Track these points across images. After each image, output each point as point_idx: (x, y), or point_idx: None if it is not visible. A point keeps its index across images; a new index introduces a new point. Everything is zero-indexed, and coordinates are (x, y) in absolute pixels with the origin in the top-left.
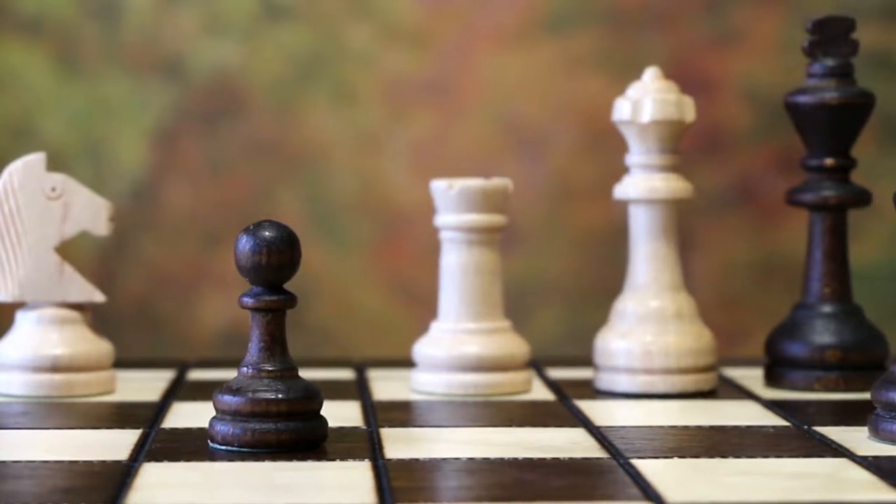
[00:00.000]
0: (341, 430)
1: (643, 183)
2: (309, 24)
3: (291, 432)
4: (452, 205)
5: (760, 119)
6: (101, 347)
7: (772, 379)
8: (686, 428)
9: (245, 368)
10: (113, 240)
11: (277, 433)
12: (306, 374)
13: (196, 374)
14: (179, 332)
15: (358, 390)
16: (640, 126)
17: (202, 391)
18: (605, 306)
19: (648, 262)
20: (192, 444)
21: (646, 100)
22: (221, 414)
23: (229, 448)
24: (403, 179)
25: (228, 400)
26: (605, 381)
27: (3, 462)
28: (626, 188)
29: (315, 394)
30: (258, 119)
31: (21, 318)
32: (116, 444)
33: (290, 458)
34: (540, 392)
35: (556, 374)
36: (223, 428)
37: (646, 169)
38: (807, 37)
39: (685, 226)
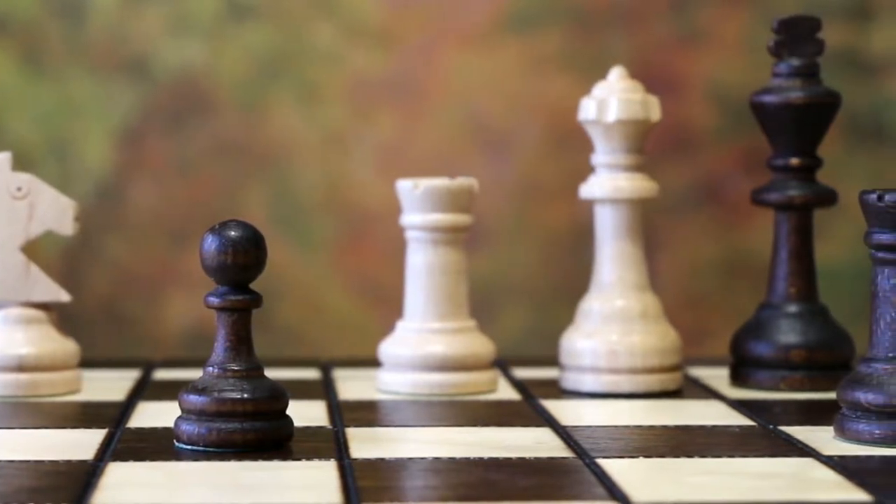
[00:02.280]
0: (307, 430)
1: (608, 182)
2: (273, 23)
3: (257, 432)
4: (418, 204)
5: (726, 119)
6: (66, 347)
7: (737, 379)
8: (652, 427)
9: (211, 368)
10: (78, 239)
11: (243, 433)
12: (272, 373)
13: (162, 374)
14: (145, 331)
15: (324, 390)
16: (605, 125)
17: (168, 391)
18: (571, 306)
19: (614, 261)
20: (158, 444)
21: (611, 99)
22: (187, 413)
23: (195, 448)
24: (369, 179)
25: (194, 399)
26: (571, 380)
27: None
28: (592, 188)
29: (281, 393)
30: (223, 118)
31: None
32: (82, 443)
33: (255, 458)
34: (505, 392)
35: (522, 373)
36: (189, 427)
37: (611, 168)
38: (772, 36)
39: (650, 225)
